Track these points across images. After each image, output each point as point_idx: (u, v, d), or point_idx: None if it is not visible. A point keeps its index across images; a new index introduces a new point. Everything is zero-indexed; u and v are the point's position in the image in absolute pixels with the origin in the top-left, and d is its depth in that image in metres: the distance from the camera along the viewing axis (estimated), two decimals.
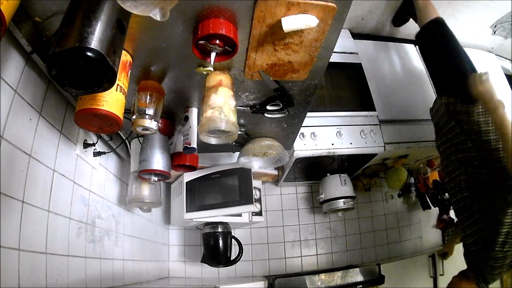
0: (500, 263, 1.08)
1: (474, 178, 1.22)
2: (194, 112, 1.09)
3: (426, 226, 2.22)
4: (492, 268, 1.11)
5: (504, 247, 1.05)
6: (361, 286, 1.69)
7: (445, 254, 1.83)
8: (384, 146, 1.62)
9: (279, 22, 0.72)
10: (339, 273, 1.71)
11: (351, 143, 1.61)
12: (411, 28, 1.86)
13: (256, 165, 1.42)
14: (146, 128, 0.92)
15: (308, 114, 1.21)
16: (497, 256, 1.06)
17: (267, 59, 0.86)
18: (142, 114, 0.91)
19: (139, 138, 1.21)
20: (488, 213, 1.12)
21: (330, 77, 1.79)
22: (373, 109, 1.73)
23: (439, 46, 1.48)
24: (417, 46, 1.95)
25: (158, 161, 1.12)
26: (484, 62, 2.00)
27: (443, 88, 1.42)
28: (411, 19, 1.79)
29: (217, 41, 0.74)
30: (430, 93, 1.81)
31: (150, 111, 0.91)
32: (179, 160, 1.18)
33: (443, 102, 1.36)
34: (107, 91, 0.67)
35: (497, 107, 1.12)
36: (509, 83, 1.92)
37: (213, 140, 0.94)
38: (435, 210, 2.15)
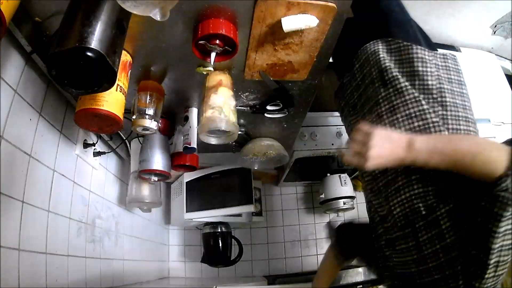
0: None
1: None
2: (194, 112, 1.09)
3: None
4: None
5: (497, 269, 0.63)
6: (361, 286, 1.69)
7: None
8: None
9: (279, 22, 0.72)
10: (339, 273, 1.71)
11: None
12: None
13: (256, 165, 1.42)
14: (146, 128, 0.92)
15: (308, 114, 1.21)
16: (487, 284, 0.64)
17: (267, 59, 0.86)
18: (142, 114, 0.91)
19: (139, 138, 1.21)
20: (469, 222, 0.66)
21: (330, 77, 1.79)
22: None
23: None
24: None
25: (158, 161, 1.12)
26: (484, 62, 2.00)
27: (386, 29, 0.92)
28: None
29: (217, 41, 0.74)
30: None
31: (150, 111, 0.91)
32: (179, 160, 1.18)
33: (392, 46, 0.88)
34: (107, 91, 0.67)
35: (413, 154, 0.67)
36: (509, 83, 1.92)
37: (213, 140, 0.94)
38: None
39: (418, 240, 0.71)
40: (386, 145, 0.68)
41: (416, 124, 0.78)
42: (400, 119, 0.80)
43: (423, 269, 0.72)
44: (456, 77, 0.86)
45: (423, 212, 0.71)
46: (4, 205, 0.68)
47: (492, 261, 0.62)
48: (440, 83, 0.81)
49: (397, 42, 0.87)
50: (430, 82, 0.81)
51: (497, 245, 0.61)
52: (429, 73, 0.82)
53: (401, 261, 0.77)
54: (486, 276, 0.63)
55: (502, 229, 0.61)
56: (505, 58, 2.13)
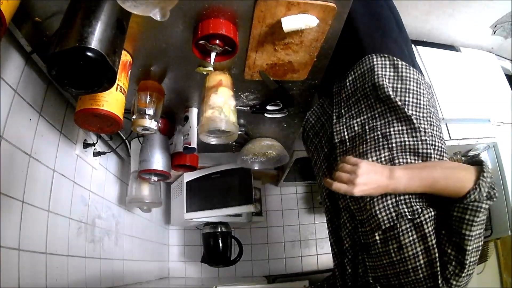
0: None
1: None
2: (194, 112, 1.09)
3: None
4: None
5: (469, 269, 0.72)
6: None
7: None
8: None
9: (279, 22, 0.72)
10: None
11: None
12: (411, 27, 1.86)
13: (256, 165, 1.42)
14: (146, 128, 0.92)
15: None
16: (463, 281, 0.72)
17: (267, 59, 0.86)
18: (142, 114, 0.91)
19: (139, 138, 1.21)
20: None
21: None
22: None
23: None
24: None
25: (158, 161, 1.12)
26: (484, 62, 2.00)
27: (381, 44, 0.94)
28: None
29: (217, 41, 0.74)
30: None
31: (150, 111, 0.91)
32: (179, 160, 1.18)
33: (388, 62, 0.90)
34: (107, 91, 0.67)
35: (396, 182, 0.74)
36: (509, 83, 1.92)
37: (213, 140, 0.94)
38: None
39: (401, 242, 0.76)
40: (371, 175, 0.76)
41: (407, 139, 0.84)
42: (393, 133, 0.85)
43: (401, 271, 0.76)
44: (435, 104, 0.94)
45: (409, 216, 0.76)
46: (4, 205, 0.68)
47: (467, 261, 0.71)
48: (429, 105, 0.89)
49: (394, 59, 0.91)
50: (422, 102, 0.87)
51: (470, 247, 0.70)
52: (421, 94, 0.88)
53: (375, 265, 0.81)
54: (463, 274, 0.71)
55: (474, 233, 0.70)
56: (505, 58, 2.13)
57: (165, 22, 0.61)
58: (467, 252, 0.70)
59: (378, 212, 0.78)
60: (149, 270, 1.61)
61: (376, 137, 0.86)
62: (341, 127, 0.94)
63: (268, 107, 1.09)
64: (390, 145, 0.83)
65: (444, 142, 0.87)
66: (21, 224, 0.73)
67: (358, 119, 0.91)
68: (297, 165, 1.71)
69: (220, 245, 1.76)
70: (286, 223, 2.11)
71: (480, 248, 0.73)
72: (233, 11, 0.71)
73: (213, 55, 0.77)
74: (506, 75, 1.98)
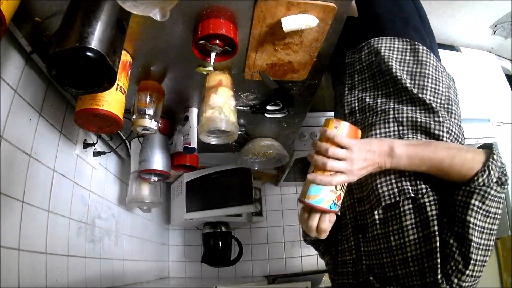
0: None
1: None
2: (194, 112, 1.09)
3: None
4: None
5: (475, 268, 0.63)
6: None
7: None
8: None
9: (279, 22, 0.72)
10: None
11: None
12: None
13: (256, 165, 1.42)
14: (146, 128, 0.92)
15: (308, 114, 1.21)
16: (466, 281, 0.63)
17: (267, 59, 0.86)
18: (142, 114, 0.91)
19: (139, 138, 1.21)
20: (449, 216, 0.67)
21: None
22: None
23: None
24: None
25: (158, 161, 1.12)
26: (484, 62, 2.00)
27: (395, 28, 0.94)
28: None
29: (217, 41, 0.74)
30: None
31: (150, 111, 0.91)
32: (179, 160, 1.18)
33: (409, 46, 0.90)
34: (107, 91, 0.67)
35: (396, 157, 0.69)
36: (509, 83, 1.92)
37: (213, 140, 0.94)
38: None
39: (402, 224, 0.70)
40: (368, 156, 0.69)
41: (419, 116, 0.80)
42: (405, 109, 0.82)
43: (400, 259, 0.69)
44: (456, 96, 0.91)
45: (412, 194, 0.70)
46: (4, 205, 0.68)
47: (473, 255, 0.63)
48: (448, 92, 0.85)
49: (415, 43, 0.89)
50: (441, 88, 0.84)
51: (476, 238, 0.63)
52: (440, 80, 0.86)
53: (370, 250, 0.75)
54: (467, 272, 0.63)
55: (479, 222, 0.63)
56: (505, 58, 2.13)
57: (165, 22, 0.61)
58: (472, 244, 0.62)
59: (379, 186, 0.74)
60: (149, 270, 1.61)
61: (387, 110, 0.83)
62: (352, 98, 0.94)
63: (268, 107, 1.09)
64: (401, 119, 0.80)
65: (463, 133, 0.83)
66: (21, 224, 0.73)
67: (372, 93, 0.90)
68: (297, 165, 1.71)
69: (220, 245, 1.76)
70: (286, 223, 2.11)
71: (490, 247, 0.65)
72: (233, 11, 0.71)
73: (213, 55, 0.77)
74: (506, 75, 1.98)
